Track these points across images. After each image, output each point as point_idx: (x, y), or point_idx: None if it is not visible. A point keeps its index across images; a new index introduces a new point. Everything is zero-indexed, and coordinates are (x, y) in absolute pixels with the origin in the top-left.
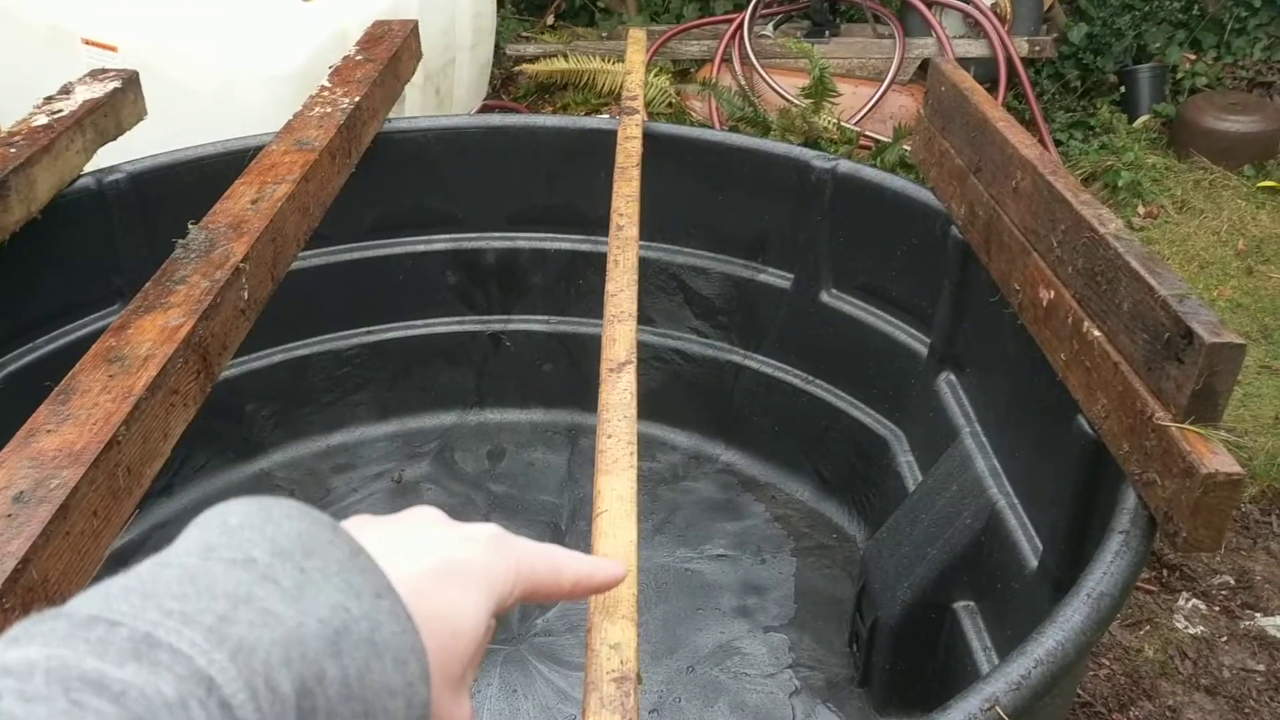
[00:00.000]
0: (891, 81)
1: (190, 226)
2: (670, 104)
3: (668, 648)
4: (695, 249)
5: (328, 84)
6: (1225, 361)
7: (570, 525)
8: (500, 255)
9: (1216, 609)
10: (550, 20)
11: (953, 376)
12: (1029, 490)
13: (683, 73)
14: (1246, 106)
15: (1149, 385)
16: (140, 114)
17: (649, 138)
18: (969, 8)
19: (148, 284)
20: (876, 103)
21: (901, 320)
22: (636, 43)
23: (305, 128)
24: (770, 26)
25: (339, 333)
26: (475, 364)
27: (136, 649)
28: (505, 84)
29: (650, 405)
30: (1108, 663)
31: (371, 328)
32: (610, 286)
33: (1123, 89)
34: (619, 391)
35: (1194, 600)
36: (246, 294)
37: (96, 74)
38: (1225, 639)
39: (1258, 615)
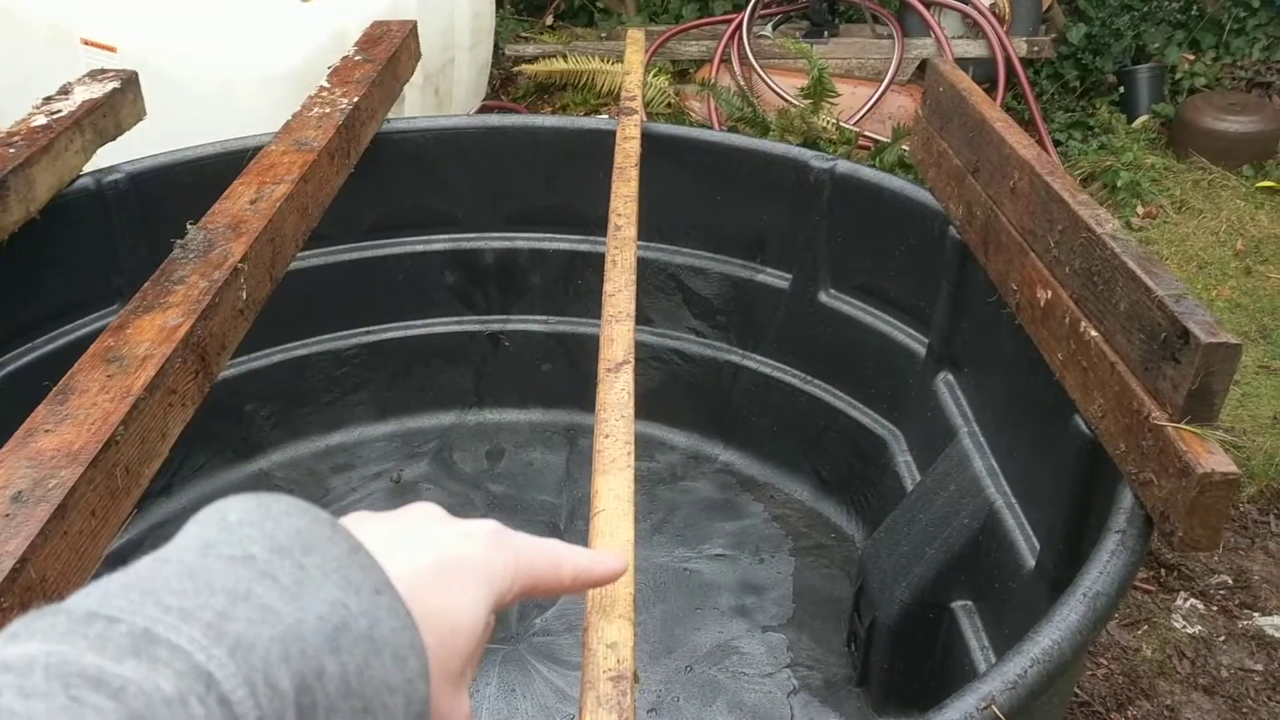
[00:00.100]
0: (890, 82)
1: (189, 226)
2: (669, 104)
3: (666, 647)
4: (694, 249)
5: (326, 84)
6: (1221, 361)
7: (569, 525)
8: (499, 255)
9: (1214, 609)
10: (549, 20)
11: (950, 376)
12: (1026, 490)
13: (682, 73)
14: (1245, 107)
15: (1145, 385)
16: (139, 114)
17: (648, 138)
18: (967, 8)
19: (146, 284)
20: (875, 103)
21: (900, 320)
22: (635, 43)
23: (304, 128)
24: (769, 27)
25: (338, 333)
26: (474, 364)
27: (135, 645)
28: (504, 84)
29: (649, 405)
30: (1106, 662)
31: (370, 328)
32: (608, 286)
33: (1121, 89)
34: (617, 391)
35: (1192, 600)
36: (245, 294)
37: (95, 74)
38: (1223, 638)
39: (1256, 615)
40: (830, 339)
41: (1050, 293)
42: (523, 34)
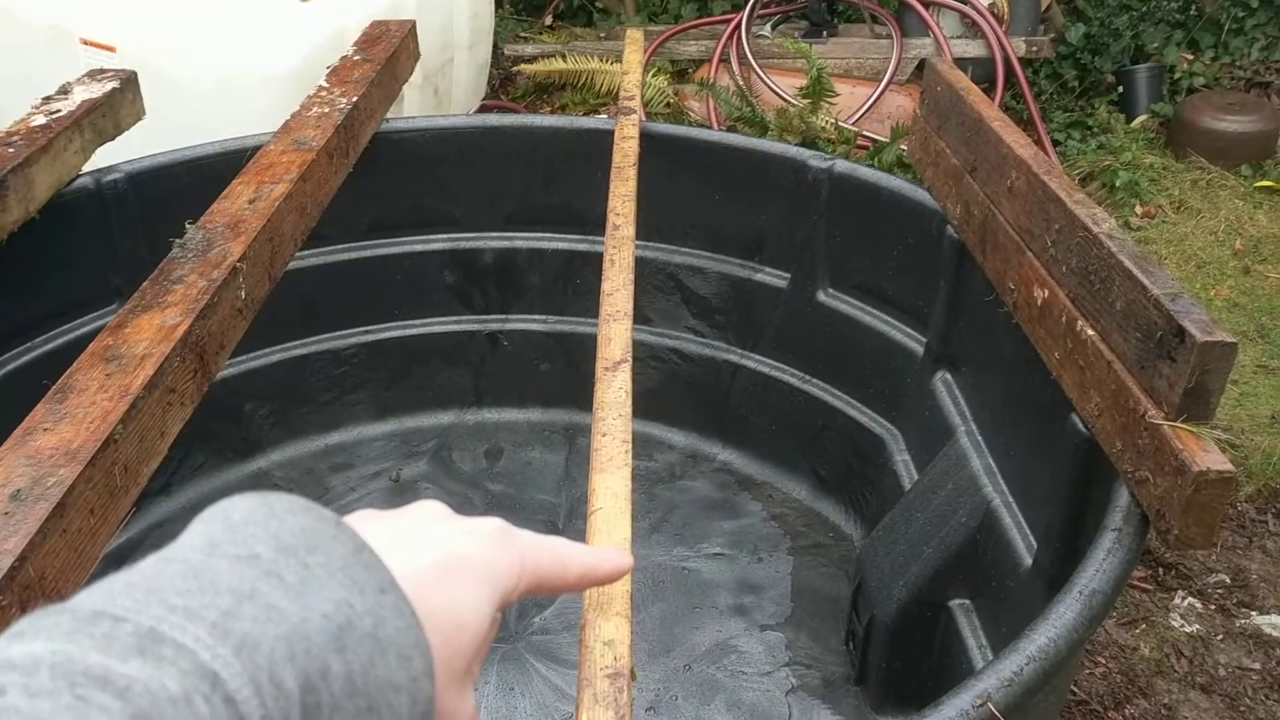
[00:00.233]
0: (889, 82)
1: (187, 226)
2: (668, 104)
3: (664, 646)
4: (692, 248)
5: (325, 84)
6: (1217, 360)
7: (567, 524)
8: (498, 255)
9: (1212, 607)
10: (548, 20)
11: (948, 375)
12: (1023, 488)
13: (681, 73)
14: (1244, 106)
15: (1142, 384)
16: (138, 114)
17: (646, 138)
18: (966, 8)
19: (145, 283)
20: (874, 103)
21: (897, 319)
22: (634, 43)
23: (303, 128)
24: (768, 27)
25: (337, 332)
26: (473, 363)
27: (141, 644)
28: (504, 84)
29: (647, 404)
30: (1104, 661)
31: (369, 327)
32: (606, 285)
33: (1120, 89)
34: (614, 390)
35: (1190, 599)
36: (244, 293)
37: (95, 74)
38: (1221, 637)
39: (1253, 614)
40: (828, 338)
41: (1047, 292)
42: (522, 34)
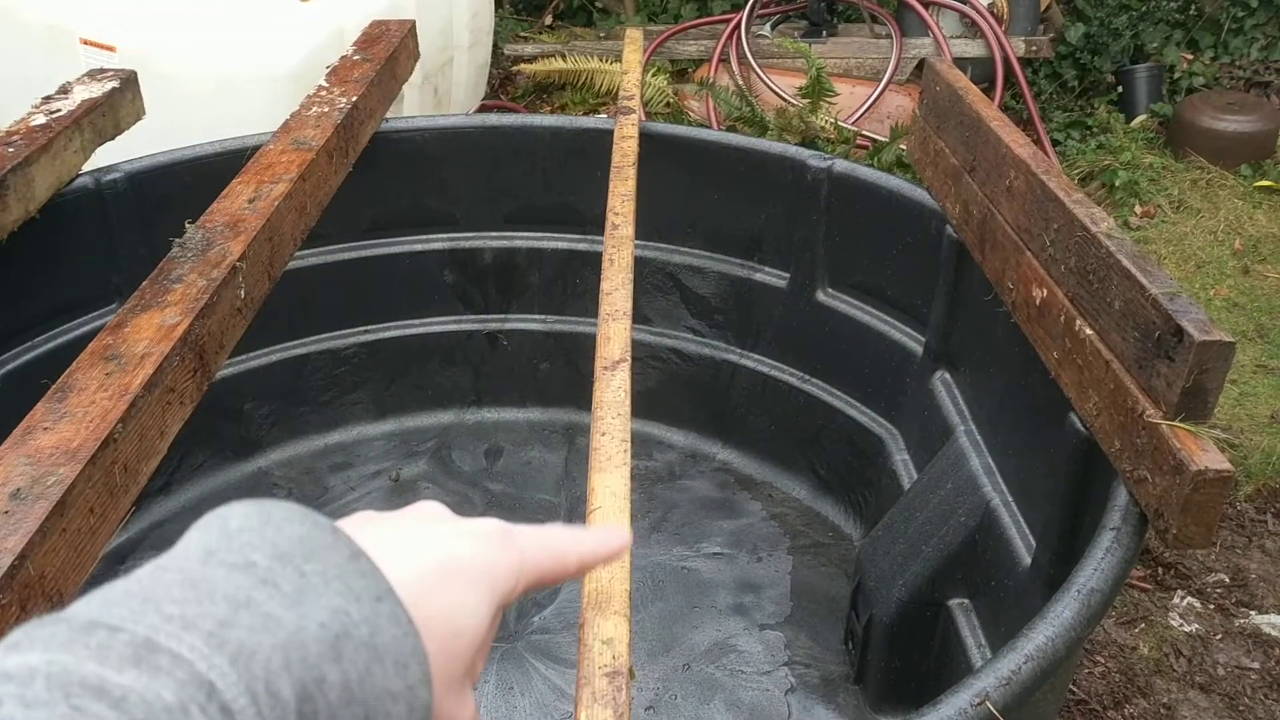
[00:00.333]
0: (888, 81)
1: (187, 225)
2: (668, 104)
3: (664, 645)
4: (691, 248)
5: (325, 84)
6: (1215, 359)
7: (566, 523)
8: (497, 255)
9: (1211, 607)
10: (548, 20)
11: (947, 375)
12: (1022, 488)
13: (680, 73)
14: (1244, 106)
15: (1140, 383)
16: (138, 114)
17: (645, 137)
18: (966, 8)
19: (145, 283)
20: (873, 102)
21: (897, 319)
22: (634, 43)
23: (302, 127)
24: (767, 26)
25: (336, 332)
26: (473, 363)
27: (137, 654)
28: (503, 84)
29: (647, 404)
30: (1103, 660)
31: (369, 327)
32: (605, 285)
33: (1120, 89)
34: (613, 389)
35: (1189, 598)
36: (243, 293)
37: (95, 74)
38: (1220, 637)
39: (1252, 613)
40: (828, 338)
41: (1046, 291)
42: (521, 34)
